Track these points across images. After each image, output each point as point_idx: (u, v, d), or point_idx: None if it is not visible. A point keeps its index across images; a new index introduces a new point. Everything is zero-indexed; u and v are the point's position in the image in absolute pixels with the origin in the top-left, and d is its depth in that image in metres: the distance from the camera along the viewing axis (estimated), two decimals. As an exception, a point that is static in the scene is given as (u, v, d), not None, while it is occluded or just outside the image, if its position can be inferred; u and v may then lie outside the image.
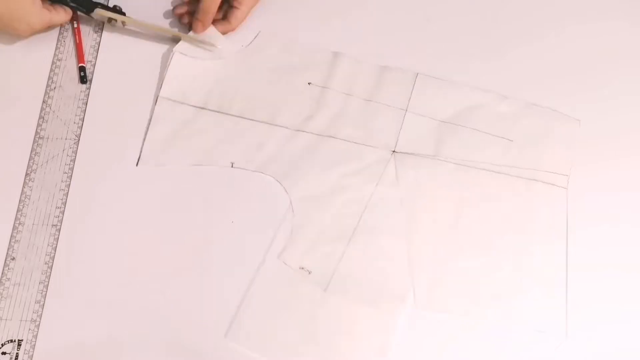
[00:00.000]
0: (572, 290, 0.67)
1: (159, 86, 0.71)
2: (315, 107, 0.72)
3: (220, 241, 0.66)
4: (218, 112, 0.71)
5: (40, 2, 0.68)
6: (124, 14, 0.72)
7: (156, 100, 0.70)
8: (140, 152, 0.68)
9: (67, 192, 0.68)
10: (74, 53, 0.73)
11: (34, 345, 0.62)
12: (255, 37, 0.74)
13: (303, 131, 0.71)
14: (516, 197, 0.70)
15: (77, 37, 0.73)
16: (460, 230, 0.68)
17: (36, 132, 0.70)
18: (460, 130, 0.72)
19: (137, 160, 0.68)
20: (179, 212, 0.67)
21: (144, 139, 0.69)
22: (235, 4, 0.73)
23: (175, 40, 0.73)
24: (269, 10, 0.76)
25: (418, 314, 0.65)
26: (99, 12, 0.72)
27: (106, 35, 0.73)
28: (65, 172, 0.68)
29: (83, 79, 0.71)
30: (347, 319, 0.65)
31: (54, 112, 0.71)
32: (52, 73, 0.72)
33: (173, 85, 0.71)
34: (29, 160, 0.69)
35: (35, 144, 0.69)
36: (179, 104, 0.71)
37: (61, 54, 0.73)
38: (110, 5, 0.73)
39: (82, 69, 0.72)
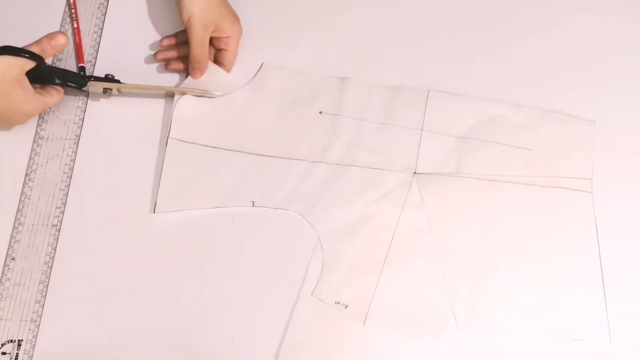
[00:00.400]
0: (611, 294, 0.66)
1: (166, 129, 0.70)
2: (330, 136, 0.71)
3: (250, 283, 0.65)
4: (231, 150, 0.70)
5: (33, 90, 0.66)
6: (118, 81, 0.70)
7: (166, 142, 0.69)
8: (156, 198, 0.67)
9: (67, 192, 0.68)
10: (74, 53, 0.73)
11: (34, 345, 0.62)
12: (259, 69, 0.73)
13: (321, 162, 0.70)
14: (543, 207, 0.69)
15: (77, 37, 0.73)
16: (492, 246, 0.67)
17: (36, 132, 0.70)
18: (479, 144, 0.71)
19: (153, 207, 0.67)
20: (202, 256, 0.66)
21: (159, 185, 0.67)
22: (222, 45, 0.72)
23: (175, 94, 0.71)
24: (268, 40, 0.75)
25: (461, 337, 0.64)
26: (92, 85, 0.69)
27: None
28: (65, 172, 0.68)
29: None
30: (390, 351, 0.64)
31: (53, 112, 0.71)
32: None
33: (182, 125, 0.70)
34: (29, 160, 0.69)
35: (35, 144, 0.69)
36: (190, 144, 0.69)
37: (61, 54, 0.73)
38: (102, 75, 0.71)
39: (82, 69, 0.72)
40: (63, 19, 0.74)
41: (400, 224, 0.68)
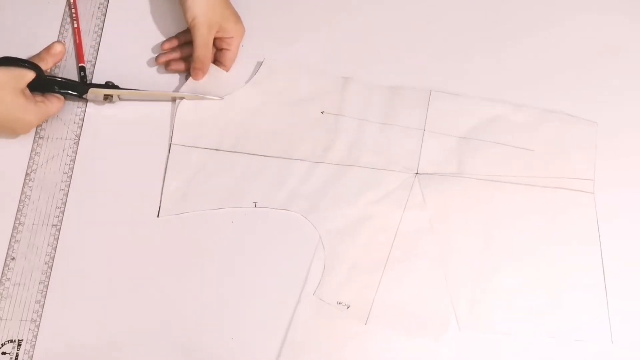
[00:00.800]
0: (612, 295, 0.66)
1: (170, 134, 0.70)
2: (332, 136, 0.71)
3: (252, 283, 0.65)
4: (233, 152, 0.70)
5: (33, 98, 0.66)
6: (117, 87, 0.70)
7: (168, 148, 0.69)
8: (160, 202, 0.67)
9: (67, 192, 0.67)
10: (74, 53, 0.73)
11: (34, 345, 0.62)
12: (261, 65, 0.73)
13: (323, 162, 0.70)
14: (545, 207, 0.69)
15: (77, 37, 0.73)
16: (494, 247, 0.67)
17: (36, 132, 0.70)
18: (481, 144, 0.71)
19: (157, 212, 0.67)
20: (204, 256, 0.66)
21: (162, 189, 0.67)
22: (224, 45, 0.72)
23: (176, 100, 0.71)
24: (269, 40, 0.74)
25: (462, 337, 0.64)
26: (93, 92, 0.69)
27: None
28: (65, 172, 0.68)
29: (83, 79, 0.71)
30: (392, 351, 0.63)
31: (54, 112, 0.71)
32: (53, 73, 0.72)
33: (183, 130, 0.70)
34: (29, 160, 0.69)
35: (35, 144, 0.69)
36: (192, 148, 0.69)
37: (61, 53, 0.73)
38: (102, 81, 0.70)
39: (82, 69, 0.71)
40: (63, 18, 0.74)
41: (402, 224, 0.67)
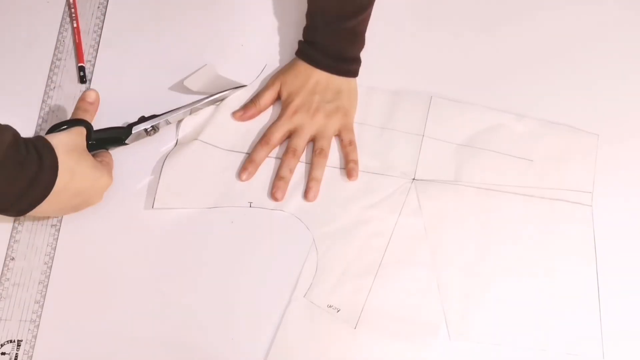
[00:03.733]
0: (606, 311, 0.67)
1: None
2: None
3: (243, 282, 0.65)
4: (232, 150, 0.70)
5: (101, 166, 0.63)
6: (154, 116, 0.68)
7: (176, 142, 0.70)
8: (155, 194, 0.67)
9: (67, 193, 0.68)
10: (73, 53, 0.73)
11: (34, 345, 0.62)
12: (262, 70, 0.73)
13: None
14: (541, 218, 0.69)
15: (76, 36, 0.73)
16: (488, 256, 0.67)
17: (36, 132, 0.70)
18: (480, 153, 0.71)
19: (152, 203, 0.67)
20: (200, 256, 0.66)
21: (158, 181, 0.67)
22: None
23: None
24: (271, 42, 0.75)
25: (452, 346, 0.64)
26: (136, 130, 0.67)
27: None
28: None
29: (82, 79, 0.71)
30: (380, 357, 0.64)
31: (53, 112, 0.70)
32: (52, 73, 0.71)
33: (186, 128, 0.70)
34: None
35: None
36: (191, 142, 0.69)
37: (60, 53, 0.72)
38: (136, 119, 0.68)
39: (81, 69, 0.71)
40: (63, 18, 0.74)
41: (397, 229, 0.68)
